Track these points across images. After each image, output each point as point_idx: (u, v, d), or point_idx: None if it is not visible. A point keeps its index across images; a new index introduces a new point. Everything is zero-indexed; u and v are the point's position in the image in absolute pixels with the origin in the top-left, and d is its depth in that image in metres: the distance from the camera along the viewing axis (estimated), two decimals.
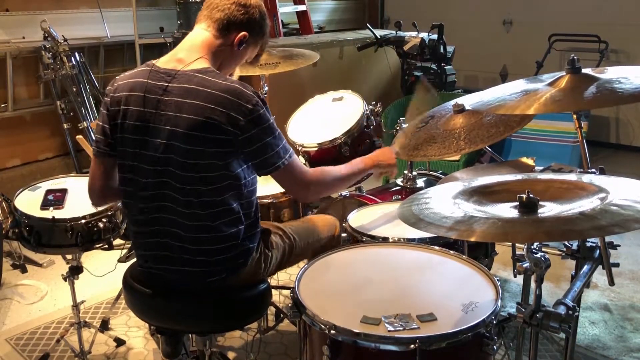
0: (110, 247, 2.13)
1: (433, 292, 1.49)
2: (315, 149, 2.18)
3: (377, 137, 2.27)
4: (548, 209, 1.24)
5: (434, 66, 4.22)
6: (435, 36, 4.20)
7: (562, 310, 1.28)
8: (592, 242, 1.56)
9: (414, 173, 2.43)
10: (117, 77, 1.66)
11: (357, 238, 1.92)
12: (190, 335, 2.05)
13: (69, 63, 3.85)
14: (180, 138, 1.52)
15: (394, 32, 4.47)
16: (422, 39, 4.20)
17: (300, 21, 5.53)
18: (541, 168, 2.02)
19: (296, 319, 1.44)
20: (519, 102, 1.50)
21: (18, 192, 2.19)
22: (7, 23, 3.86)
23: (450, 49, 4.33)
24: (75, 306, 2.26)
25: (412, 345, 1.25)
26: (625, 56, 5.03)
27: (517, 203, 1.25)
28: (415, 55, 4.25)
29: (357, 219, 2.04)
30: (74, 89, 3.93)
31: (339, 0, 6.59)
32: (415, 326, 1.32)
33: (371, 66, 4.96)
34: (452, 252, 1.67)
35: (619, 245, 1.60)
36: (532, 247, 1.27)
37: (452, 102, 1.90)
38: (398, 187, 2.43)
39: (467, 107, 1.83)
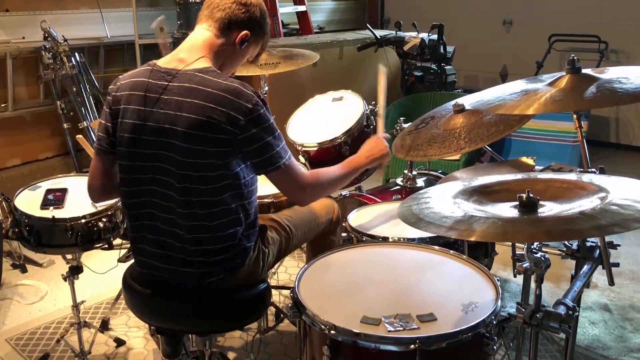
0: (110, 247, 2.13)
1: (433, 292, 1.49)
2: (315, 148, 2.18)
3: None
4: (548, 209, 1.24)
5: (434, 66, 4.22)
6: (435, 36, 4.20)
7: (562, 310, 1.28)
8: (592, 242, 1.56)
9: (414, 173, 2.43)
10: (120, 77, 1.67)
11: (357, 238, 1.92)
12: (190, 335, 2.05)
13: (69, 63, 3.85)
14: (180, 137, 1.52)
15: (394, 32, 4.47)
16: (422, 39, 4.20)
17: (300, 21, 5.53)
18: (541, 168, 2.02)
19: (296, 319, 1.44)
20: (519, 102, 1.50)
21: (18, 191, 2.19)
22: (7, 23, 3.86)
23: (450, 49, 4.33)
24: (75, 306, 2.26)
25: (412, 346, 1.25)
26: (625, 56, 5.03)
27: (517, 203, 1.25)
28: (415, 56, 4.24)
29: (357, 218, 2.04)
30: (74, 89, 3.94)
31: (339, 1, 6.59)
32: (415, 326, 1.32)
33: (371, 66, 4.96)
34: (452, 252, 1.67)
35: (619, 245, 1.60)
36: (532, 247, 1.27)
37: (452, 102, 1.90)
38: (398, 187, 2.43)
39: (467, 107, 1.83)
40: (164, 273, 1.64)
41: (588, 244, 1.55)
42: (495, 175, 1.50)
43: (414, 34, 4.28)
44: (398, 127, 2.21)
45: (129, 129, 1.59)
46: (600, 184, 1.29)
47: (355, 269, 1.62)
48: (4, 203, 2.52)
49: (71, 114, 4.02)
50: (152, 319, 1.76)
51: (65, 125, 4.02)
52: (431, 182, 2.44)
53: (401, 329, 1.31)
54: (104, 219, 2.06)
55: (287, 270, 3.07)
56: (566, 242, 1.57)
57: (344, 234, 2.01)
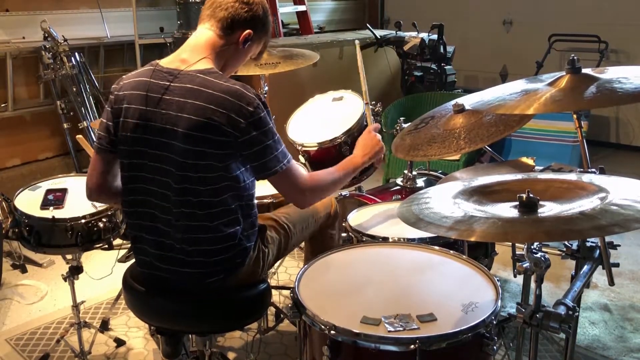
0: (110, 247, 2.13)
1: (433, 292, 1.49)
2: (315, 148, 2.18)
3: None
4: (548, 209, 1.24)
5: (434, 66, 4.22)
6: (435, 36, 4.20)
7: (562, 310, 1.28)
8: (592, 242, 1.56)
9: (414, 173, 2.43)
10: (123, 77, 1.67)
11: (357, 238, 1.92)
12: (190, 335, 2.05)
13: (69, 63, 3.85)
14: (180, 138, 1.52)
15: (394, 32, 4.47)
16: (422, 39, 4.20)
17: (300, 21, 5.53)
18: (541, 168, 2.02)
19: (296, 319, 1.44)
20: (519, 102, 1.50)
21: (18, 191, 2.19)
22: (7, 23, 3.86)
23: (450, 49, 4.33)
24: (75, 306, 2.26)
25: (412, 346, 1.25)
26: (625, 56, 5.03)
27: (517, 203, 1.25)
28: (415, 56, 4.25)
29: (357, 218, 2.04)
30: (74, 89, 3.94)
31: (339, 1, 6.59)
32: (415, 326, 1.32)
33: (371, 66, 4.95)
34: (452, 252, 1.66)
35: (619, 245, 1.60)
36: (532, 247, 1.27)
37: (452, 102, 1.90)
38: (398, 187, 2.43)
39: (467, 107, 1.83)
40: (164, 273, 1.64)
41: (588, 244, 1.55)
42: (495, 175, 1.50)
43: (414, 34, 4.29)
44: (398, 127, 2.21)
45: (130, 129, 1.59)
46: (600, 184, 1.29)
47: (355, 269, 1.62)
48: (4, 203, 2.52)
49: (71, 114, 4.02)
50: (152, 319, 1.76)
51: (65, 125, 4.02)
52: (431, 182, 2.44)
53: (401, 329, 1.31)
54: (104, 219, 2.06)
55: (287, 270, 3.07)
56: (566, 242, 1.57)
57: (343, 234, 2.01)
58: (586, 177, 1.35)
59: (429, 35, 4.25)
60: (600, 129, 5.22)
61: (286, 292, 2.79)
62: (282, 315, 2.54)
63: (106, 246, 2.12)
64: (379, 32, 4.52)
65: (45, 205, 2.09)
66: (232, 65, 1.71)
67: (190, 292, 1.64)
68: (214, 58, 1.62)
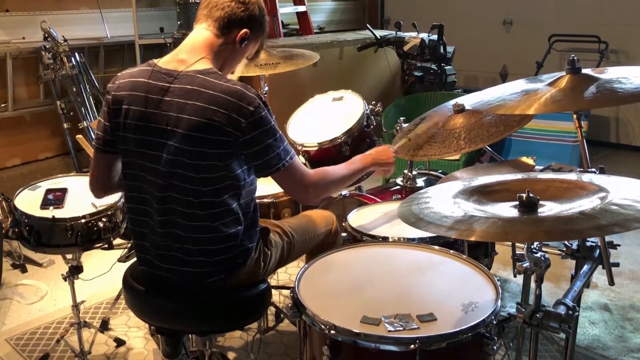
0: (110, 247, 2.13)
1: (433, 292, 1.49)
2: (316, 148, 2.18)
3: (377, 137, 2.27)
4: (548, 209, 1.24)
5: (434, 66, 4.22)
6: (435, 36, 4.20)
7: (562, 310, 1.28)
8: (592, 242, 1.56)
9: (414, 172, 2.43)
10: (119, 75, 1.66)
11: (357, 238, 1.92)
12: (190, 335, 2.05)
13: (69, 63, 3.85)
14: (182, 139, 1.52)
15: (394, 32, 4.47)
16: (422, 40, 4.20)
17: (300, 22, 5.53)
18: (541, 168, 2.02)
19: (296, 319, 1.44)
20: (519, 102, 1.50)
21: (18, 191, 2.19)
22: (7, 23, 3.86)
23: (450, 49, 4.33)
24: (75, 306, 2.26)
25: (412, 346, 1.25)
26: (625, 56, 5.03)
27: (517, 202, 1.25)
28: (415, 56, 4.25)
29: (357, 218, 2.04)
30: (74, 89, 3.94)
31: (339, 1, 6.59)
32: (415, 326, 1.32)
33: (371, 66, 4.96)
34: (452, 251, 1.66)
35: (619, 245, 1.60)
36: (532, 246, 1.27)
37: (452, 102, 1.90)
38: (398, 187, 2.43)
39: (467, 107, 1.83)
40: (164, 272, 1.64)
41: (588, 243, 1.55)
42: (495, 175, 1.50)
43: (414, 34, 4.29)
44: (398, 127, 2.21)
45: (131, 130, 1.59)
46: (600, 184, 1.29)
47: (355, 269, 1.62)
48: (4, 203, 2.52)
49: (71, 114, 4.02)
50: (152, 319, 1.76)
51: (65, 125, 4.02)
52: (431, 182, 2.44)
53: (401, 329, 1.31)
54: (104, 219, 2.06)
55: (287, 270, 3.07)
56: (566, 242, 1.57)
57: (343, 234, 2.01)
58: (586, 177, 1.35)
59: (429, 36, 4.25)
60: (600, 129, 5.22)
61: (286, 292, 2.79)
62: (282, 315, 2.54)
63: (106, 246, 2.12)
64: (379, 33, 4.51)
65: (45, 205, 2.09)
66: (229, 65, 1.71)
67: (191, 292, 1.64)
68: (212, 58, 1.62)
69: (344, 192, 2.35)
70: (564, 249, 1.58)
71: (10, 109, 3.93)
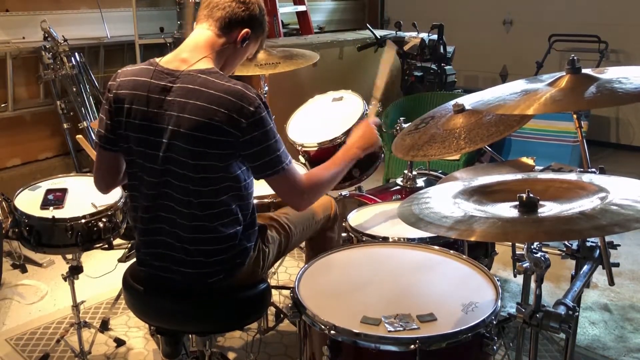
0: (110, 247, 2.13)
1: (433, 292, 1.49)
2: (315, 148, 2.18)
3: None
4: (548, 209, 1.24)
5: (434, 66, 4.22)
6: (435, 36, 4.20)
7: (562, 310, 1.28)
8: (592, 242, 1.56)
9: (414, 173, 2.43)
10: (120, 72, 1.65)
11: (357, 238, 1.92)
12: (190, 335, 2.05)
13: (69, 63, 3.85)
14: (183, 138, 1.52)
15: (394, 32, 4.47)
16: (422, 39, 4.20)
17: (300, 21, 5.53)
18: (541, 168, 2.02)
19: (296, 319, 1.44)
20: (519, 102, 1.50)
21: (18, 191, 2.19)
22: (7, 23, 3.86)
23: (450, 49, 4.33)
24: (75, 306, 2.26)
25: (412, 346, 1.25)
26: (625, 56, 5.03)
27: (517, 203, 1.25)
28: (415, 56, 4.24)
29: (357, 218, 2.04)
30: (74, 89, 3.94)
31: (339, 1, 6.59)
32: (415, 326, 1.32)
33: (371, 66, 4.95)
34: (452, 252, 1.67)
35: (619, 245, 1.60)
36: (532, 246, 1.27)
37: (452, 102, 1.90)
38: (398, 187, 2.43)
39: (467, 107, 1.83)
40: (164, 272, 1.64)
41: (588, 244, 1.55)
42: (495, 175, 1.50)
43: (414, 34, 4.29)
44: (398, 127, 2.21)
45: (133, 129, 1.59)
46: (600, 184, 1.29)
47: (355, 269, 1.62)
48: (4, 203, 2.51)
49: (71, 114, 4.02)
50: (153, 319, 1.76)
51: (65, 125, 4.02)
52: (431, 182, 2.44)
53: (401, 329, 1.31)
54: (104, 219, 2.06)
55: (287, 270, 3.07)
56: (566, 242, 1.57)
57: (343, 234, 2.01)
58: (586, 177, 1.35)
59: (429, 36, 4.25)
60: (600, 129, 5.22)
61: (286, 292, 2.79)
62: (282, 315, 2.54)
63: (106, 246, 2.12)
64: (379, 32, 4.51)
65: (45, 205, 2.09)
66: (230, 65, 1.71)
67: (191, 292, 1.64)
68: (214, 57, 1.62)
69: (344, 192, 2.35)
70: (564, 249, 1.58)
71: (10, 109, 3.93)
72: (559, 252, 1.61)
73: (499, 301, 1.38)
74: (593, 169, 1.53)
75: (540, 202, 1.24)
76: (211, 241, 1.59)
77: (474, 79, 5.90)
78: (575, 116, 1.62)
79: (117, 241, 2.22)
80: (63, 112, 3.99)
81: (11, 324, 2.68)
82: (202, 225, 1.57)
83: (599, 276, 2.92)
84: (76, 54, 3.93)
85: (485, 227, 1.18)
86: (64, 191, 2.18)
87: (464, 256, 1.64)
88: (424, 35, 4.26)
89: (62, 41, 3.82)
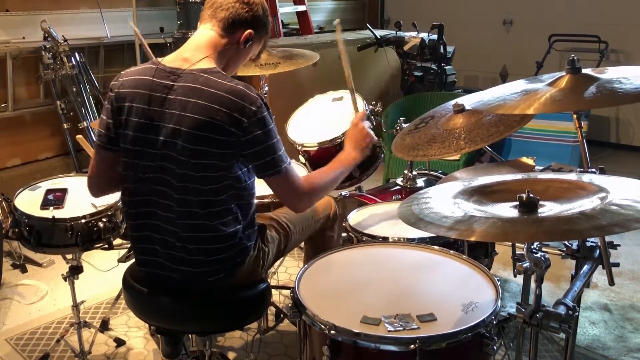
0: (110, 247, 2.13)
1: (433, 292, 1.49)
2: (315, 148, 2.18)
3: (377, 137, 2.27)
4: (548, 209, 1.24)
5: (434, 66, 4.22)
6: (435, 36, 4.20)
7: (562, 310, 1.28)
8: (592, 242, 1.56)
9: (414, 173, 2.43)
10: (123, 73, 1.66)
11: (357, 238, 1.92)
12: (190, 335, 2.05)
13: (69, 63, 3.85)
14: (184, 137, 1.52)
15: (394, 32, 4.47)
16: (422, 39, 4.20)
17: (300, 21, 5.53)
18: (541, 168, 2.02)
19: (296, 319, 1.44)
20: (519, 102, 1.50)
21: (18, 191, 2.19)
22: (7, 23, 3.86)
23: (450, 49, 4.33)
24: (75, 306, 2.26)
25: (412, 346, 1.25)
26: (625, 56, 5.03)
27: (517, 203, 1.25)
28: (415, 56, 4.25)
29: (357, 218, 2.04)
30: (74, 89, 3.94)
31: (339, 1, 6.59)
32: (415, 326, 1.32)
33: (371, 66, 4.95)
34: (452, 252, 1.67)
35: (619, 245, 1.60)
36: (532, 247, 1.27)
37: (452, 102, 1.90)
38: (398, 187, 2.43)
39: (467, 107, 1.83)
40: (164, 272, 1.64)
41: (588, 244, 1.55)
42: (495, 175, 1.50)
43: (414, 34, 4.29)
44: (398, 127, 2.21)
45: (133, 128, 1.59)
46: (600, 184, 1.29)
47: (355, 269, 1.62)
48: (4, 203, 2.51)
49: (71, 114, 4.02)
50: (153, 319, 1.76)
51: (65, 125, 4.01)
52: (431, 182, 2.44)
53: (401, 329, 1.31)
54: (104, 219, 2.06)
55: (287, 270, 3.07)
56: (566, 242, 1.57)
57: (344, 234, 2.01)
58: (586, 177, 1.35)
59: (429, 35, 4.25)
60: (600, 129, 5.22)
61: (286, 292, 2.79)
62: (282, 315, 2.54)
63: (106, 246, 2.12)
64: (379, 32, 4.51)
65: (45, 205, 2.09)
66: (233, 65, 1.71)
67: (191, 291, 1.64)
68: (216, 57, 1.62)
69: (344, 192, 2.35)
70: (564, 249, 1.58)
71: (10, 109, 3.93)
72: (559, 252, 1.61)
73: (499, 301, 1.38)
74: (593, 169, 1.53)
75: (540, 202, 1.24)
76: (211, 240, 1.59)
77: (474, 79, 5.90)
78: (575, 116, 1.62)
79: (117, 241, 2.22)
80: (63, 112, 3.99)
81: (11, 324, 2.68)
82: (202, 224, 1.57)
83: (599, 276, 2.92)
84: (76, 54, 3.93)
85: (485, 227, 1.18)
86: (64, 191, 2.18)
87: (464, 256, 1.64)
88: (424, 35, 4.26)
89: (62, 41, 3.82)
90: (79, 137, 2.41)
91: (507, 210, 1.28)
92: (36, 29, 3.82)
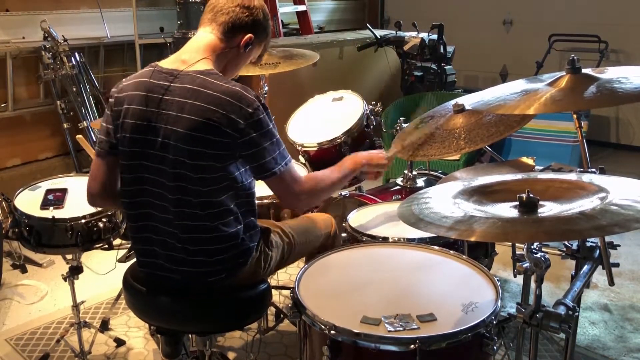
0: (110, 247, 2.13)
1: (433, 292, 1.49)
2: (315, 148, 2.18)
3: (377, 137, 2.27)
4: (548, 209, 1.24)
5: (434, 66, 4.22)
6: (435, 36, 4.20)
7: (562, 310, 1.28)
8: (592, 242, 1.56)
9: (414, 173, 2.43)
10: (124, 79, 1.67)
11: (357, 238, 1.91)
12: (190, 335, 2.05)
13: (69, 63, 3.85)
14: (181, 138, 1.52)
15: (394, 32, 4.47)
16: (422, 39, 4.20)
17: (300, 21, 5.53)
18: (541, 168, 2.02)
19: (296, 319, 1.44)
20: (519, 102, 1.50)
21: (18, 191, 2.19)
22: (7, 23, 3.86)
23: (450, 49, 4.33)
24: (75, 306, 2.26)
25: (412, 346, 1.25)
26: (625, 56, 5.03)
27: (517, 203, 1.25)
28: (415, 55, 4.24)
29: (357, 218, 2.04)
30: (74, 89, 3.94)
31: (339, 1, 6.59)
32: (415, 326, 1.32)
33: (371, 66, 4.96)
34: (452, 252, 1.66)
35: (619, 245, 1.60)
36: (532, 247, 1.27)
37: (452, 102, 1.90)
38: (398, 187, 2.43)
39: (467, 107, 1.83)
40: (165, 272, 1.64)
41: (588, 244, 1.55)
42: (495, 175, 1.50)
43: (414, 34, 4.29)
44: (398, 127, 2.21)
45: (130, 129, 1.59)
46: (600, 184, 1.29)
47: (355, 269, 1.62)
48: (4, 203, 2.51)
49: (71, 114, 4.02)
50: (153, 319, 1.76)
51: (65, 125, 4.02)
52: (431, 182, 2.44)
53: (401, 329, 1.31)
54: (104, 219, 2.06)
55: (287, 270, 3.07)
56: (566, 242, 1.57)
57: (343, 234, 2.01)
58: (586, 177, 1.35)
59: (429, 35, 4.25)
60: (600, 129, 5.22)
61: (286, 292, 2.79)
62: (282, 315, 2.54)
63: (106, 246, 2.12)
64: (379, 32, 4.51)
65: (45, 205, 2.09)
66: (232, 69, 1.71)
67: (191, 291, 1.64)
68: (214, 59, 1.63)
69: (344, 192, 2.35)
70: (564, 249, 1.58)
71: (10, 109, 3.93)
72: (559, 252, 1.61)
73: (499, 301, 1.38)
74: (593, 169, 1.53)
75: (540, 202, 1.24)
76: (212, 240, 1.59)
77: (474, 79, 5.90)
78: (575, 116, 1.62)
79: (117, 241, 2.22)
80: (63, 112, 3.99)
81: (11, 324, 2.68)
82: (203, 224, 1.57)
83: (599, 276, 2.92)
84: (76, 53, 3.93)
85: (485, 227, 1.18)
86: (64, 191, 2.18)
87: (464, 256, 1.64)
88: (424, 35, 4.26)
89: (62, 41, 3.82)
90: (79, 137, 2.41)
91: (507, 210, 1.28)
92: (36, 29, 3.82)
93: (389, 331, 1.30)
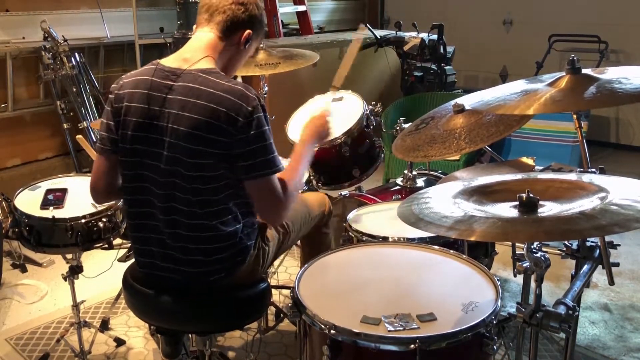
0: (110, 247, 2.13)
1: (433, 292, 1.49)
2: (315, 149, 2.18)
3: (377, 137, 2.27)
4: (548, 209, 1.24)
5: (434, 66, 4.22)
6: (435, 36, 4.20)
7: (562, 310, 1.28)
8: (592, 242, 1.56)
9: (414, 173, 2.43)
10: (124, 76, 1.67)
11: (357, 238, 1.92)
12: (190, 335, 2.05)
13: (69, 63, 3.84)
14: (183, 137, 1.52)
15: (394, 32, 4.47)
16: (422, 39, 4.20)
17: (300, 21, 5.53)
18: (541, 168, 2.02)
19: (296, 319, 1.44)
20: (519, 102, 1.50)
21: (18, 191, 2.19)
22: (7, 23, 3.86)
23: (450, 49, 4.33)
24: (75, 306, 2.26)
25: (412, 345, 1.25)
26: (625, 56, 5.04)
27: (517, 203, 1.25)
28: (415, 56, 4.25)
29: (357, 218, 2.04)
30: (74, 89, 3.93)
31: (339, 1, 6.59)
32: (415, 326, 1.32)
33: (371, 66, 4.95)
34: (452, 251, 1.67)
35: (619, 245, 1.60)
36: (532, 246, 1.27)
37: (452, 102, 1.90)
38: (398, 187, 2.43)
39: (467, 107, 1.83)
40: (164, 272, 1.64)
41: (588, 243, 1.56)
42: (495, 175, 1.50)
43: (414, 34, 4.29)
44: (398, 128, 2.21)
45: (131, 127, 1.59)
46: (600, 184, 1.29)
47: (355, 269, 1.62)
48: (4, 203, 2.51)
49: (71, 114, 4.02)
50: (153, 319, 1.76)
51: (65, 126, 4.01)
52: (431, 182, 2.45)
53: (401, 328, 1.31)
54: (104, 219, 2.06)
55: (287, 270, 3.07)
56: (566, 242, 1.57)
57: (343, 234, 2.01)
58: (586, 177, 1.35)
59: (429, 36, 4.25)
60: (600, 129, 5.22)
61: (286, 292, 2.79)
62: (282, 315, 2.54)
63: (106, 246, 2.12)
64: (379, 32, 4.51)
65: (45, 205, 2.09)
66: (233, 66, 1.71)
67: (191, 291, 1.64)
68: (215, 58, 1.63)
69: (344, 192, 2.36)
70: (564, 249, 1.58)
71: (10, 109, 3.93)
72: (559, 252, 1.62)
73: (499, 301, 1.38)
74: (593, 169, 1.53)
75: (540, 202, 1.24)
76: (211, 239, 1.59)
77: (474, 79, 5.91)
78: (575, 116, 1.62)
79: (117, 241, 2.22)
80: (63, 112, 3.99)
81: (11, 323, 2.68)
82: (202, 223, 1.57)
83: (599, 276, 2.92)
84: (76, 54, 3.93)
85: (485, 227, 1.18)
86: (64, 191, 2.18)
87: (464, 256, 1.64)
88: (424, 35, 4.26)
89: (62, 41, 3.82)
90: (79, 137, 2.41)
91: (507, 210, 1.28)
92: (36, 29, 3.82)
93: (389, 331, 1.30)
